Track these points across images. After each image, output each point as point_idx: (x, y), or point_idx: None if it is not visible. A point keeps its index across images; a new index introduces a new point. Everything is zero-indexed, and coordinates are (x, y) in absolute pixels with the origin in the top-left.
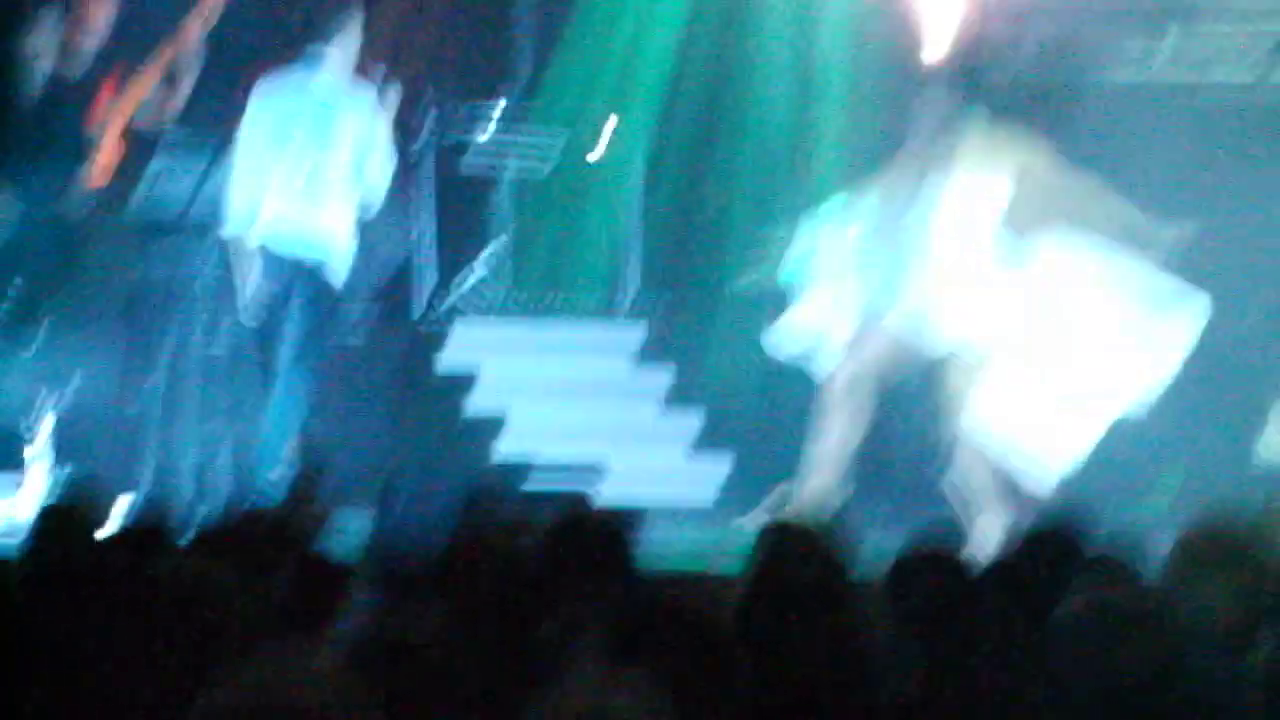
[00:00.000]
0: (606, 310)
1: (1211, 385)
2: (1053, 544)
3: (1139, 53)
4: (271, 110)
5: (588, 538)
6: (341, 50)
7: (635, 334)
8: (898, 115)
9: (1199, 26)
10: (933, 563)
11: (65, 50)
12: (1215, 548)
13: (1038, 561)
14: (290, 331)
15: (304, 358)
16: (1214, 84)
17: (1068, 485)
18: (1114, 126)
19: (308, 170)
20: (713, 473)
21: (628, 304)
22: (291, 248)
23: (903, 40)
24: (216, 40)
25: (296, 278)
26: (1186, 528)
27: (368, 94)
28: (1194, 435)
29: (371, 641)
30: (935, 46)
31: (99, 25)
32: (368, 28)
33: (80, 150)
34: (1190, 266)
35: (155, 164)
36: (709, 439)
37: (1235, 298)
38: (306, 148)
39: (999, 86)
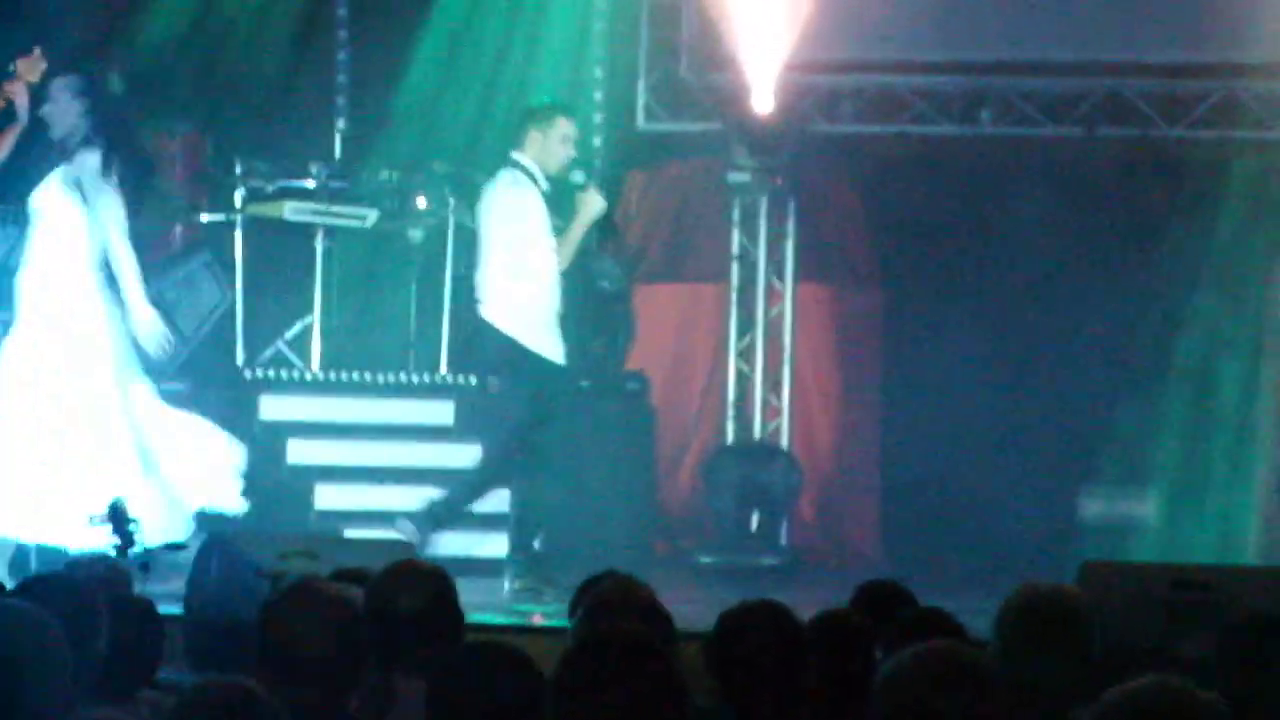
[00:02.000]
0: (412, 389)
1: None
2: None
3: None
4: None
5: (414, 585)
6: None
7: (445, 415)
8: None
9: None
10: (759, 618)
11: None
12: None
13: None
14: None
15: None
16: None
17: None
18: None
19: None
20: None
21: (434, 383)
22: None
23: None
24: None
25: None
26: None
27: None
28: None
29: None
30: None
31: None
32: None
33: None
34: None
35: None
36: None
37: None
38: None
39: None
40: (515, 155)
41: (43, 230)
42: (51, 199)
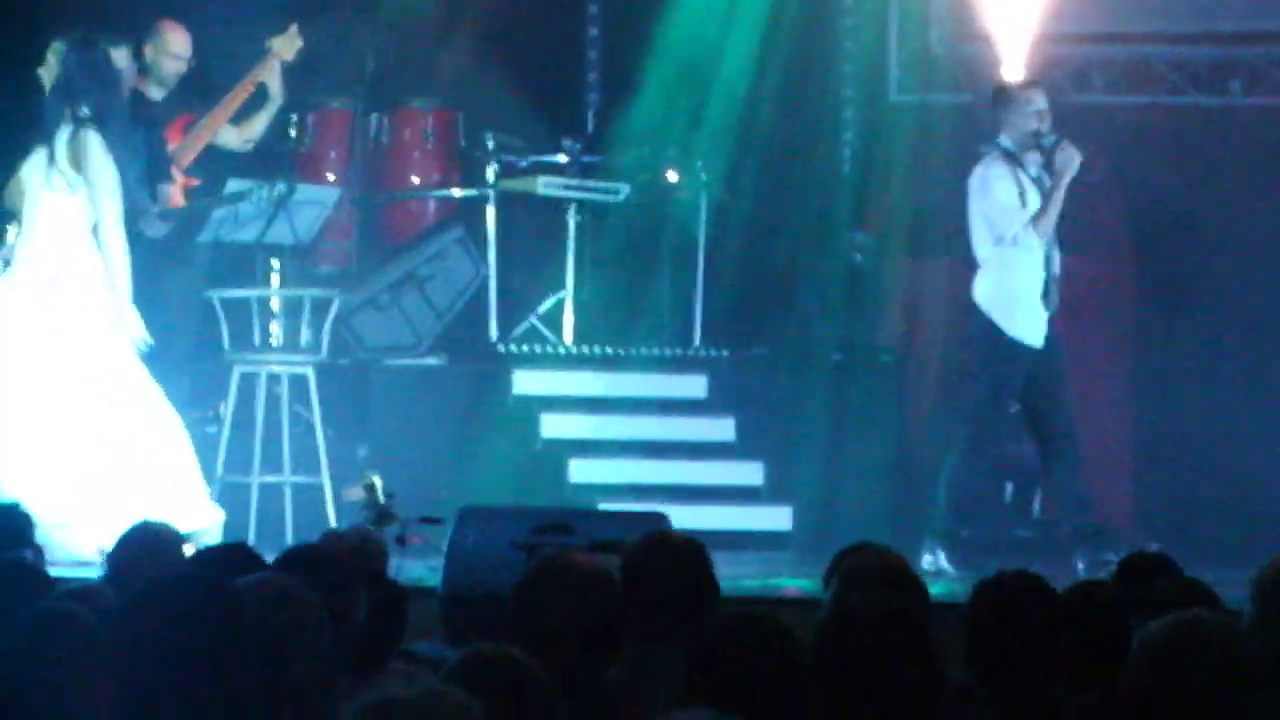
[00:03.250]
0: (666, 362)
1: None
2: None
3: None
4: None
5: (669, 557)
6: None
7: (698, 388)
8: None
9: None
10: (1014, 588)
11: (151, 73)
12: None
13: None
14: None
15: None
16: None
17: None
18: None
19: None
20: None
21: (687, 356)
22: None
23: None
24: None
25: None
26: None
27: None
28: None
29: (465, 665)
30: None
31: (182, 52)
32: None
33: (159, 170)
34: None
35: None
36: (771, 492)
37: None
38: None
39: None
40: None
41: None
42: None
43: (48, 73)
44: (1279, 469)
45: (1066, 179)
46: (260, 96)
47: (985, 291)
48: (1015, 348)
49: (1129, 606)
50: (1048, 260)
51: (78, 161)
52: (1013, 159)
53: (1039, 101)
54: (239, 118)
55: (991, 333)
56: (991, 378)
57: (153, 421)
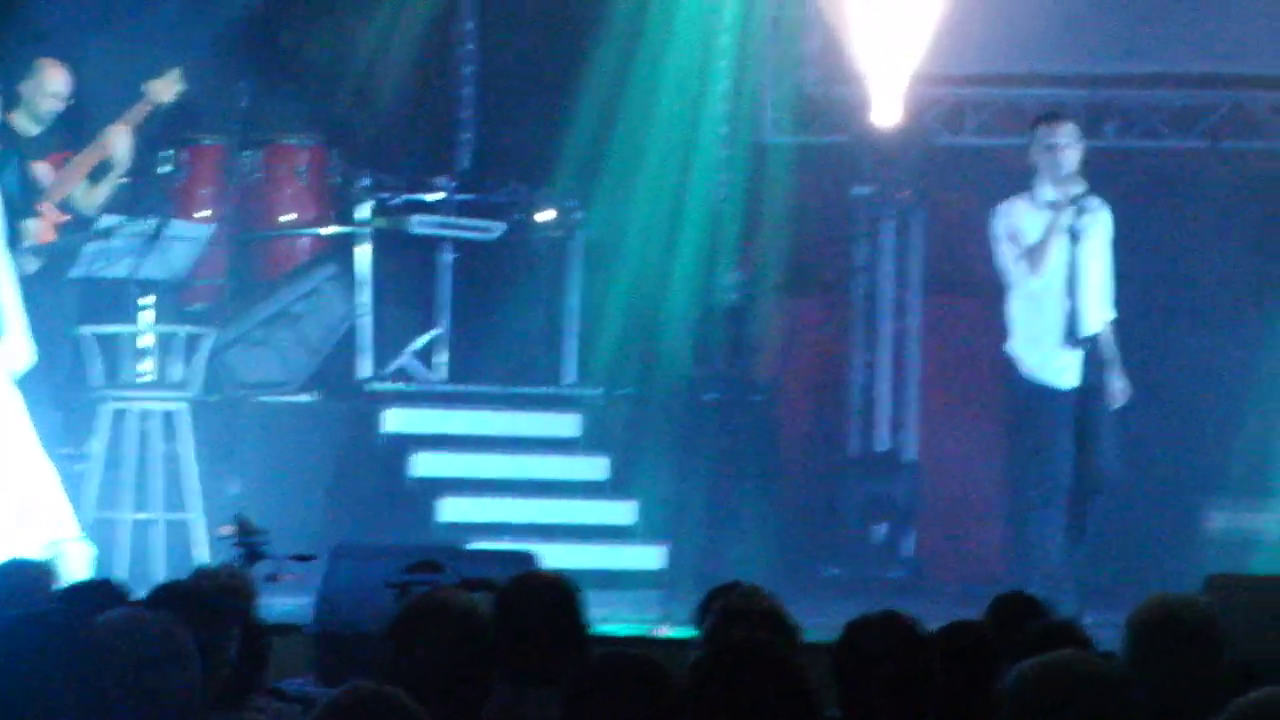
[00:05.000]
0: (538, 401)
1: None
2: None
3: None
4: None
5: (541, 596)
6: None
7: (571, 427)
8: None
9: None
10: (885, 628)
11: (27, 108)
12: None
13: None
14: None
15: None
16: None
17: None
18: None
19: None
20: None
21: (560, 395)
22: None
23: None
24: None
25: None
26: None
27: None
28: None
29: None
30: None
31: (59, 91)
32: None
33: (25, 206)
34: None
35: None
36: (644, 531)
37: None
38: None
39: None
40: None
41: None
42: None
43: None
44: (1150, 512)
45: (1060, 218)
46: (106, 165)
47: (1012, 338)
48: (1038, 390)
49: (999, 648)
50: (1071, 298)
51: None
52: (1031, 195)
53: (1054, 136)
54: (94, 176)
55: (1022, 383)
56: (1024, 424)
57: (21, 450)
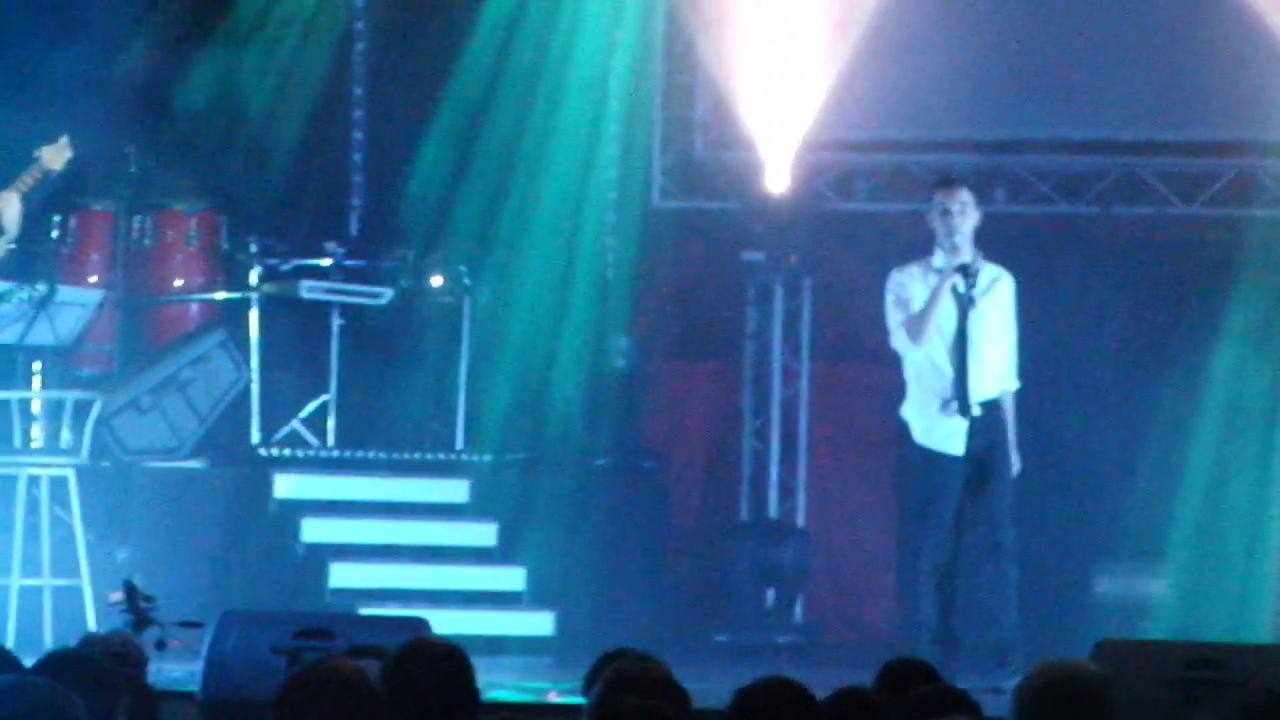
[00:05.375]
0: (427, 467)
1: None
2: None
3: None
4: None
5: (430, 662)
6: None
7: (459, 493)
8: None
9: None
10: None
11: None
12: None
13: None
14: None
15: None
16: None
17: None
18: None
19: None
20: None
21: (449, 461)
22: None
23: None
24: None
25: None
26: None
27: None
28: None
29: None
30: None
31: None
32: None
33: None
34: None
35: None
36: (533, 597)
37: None
38: None
39: None
40: None
41: None
42: None
43: None
44: (1039, 577)
45: (945, 285)
46: None
47: (905, 402)
48: (929, 457)
49: (889, 714)
50: (960, 365)
51: None
52: (926, 261)
53: (948, 201)
54: None
55: (913, 447)
56: (915, 491)
57: None
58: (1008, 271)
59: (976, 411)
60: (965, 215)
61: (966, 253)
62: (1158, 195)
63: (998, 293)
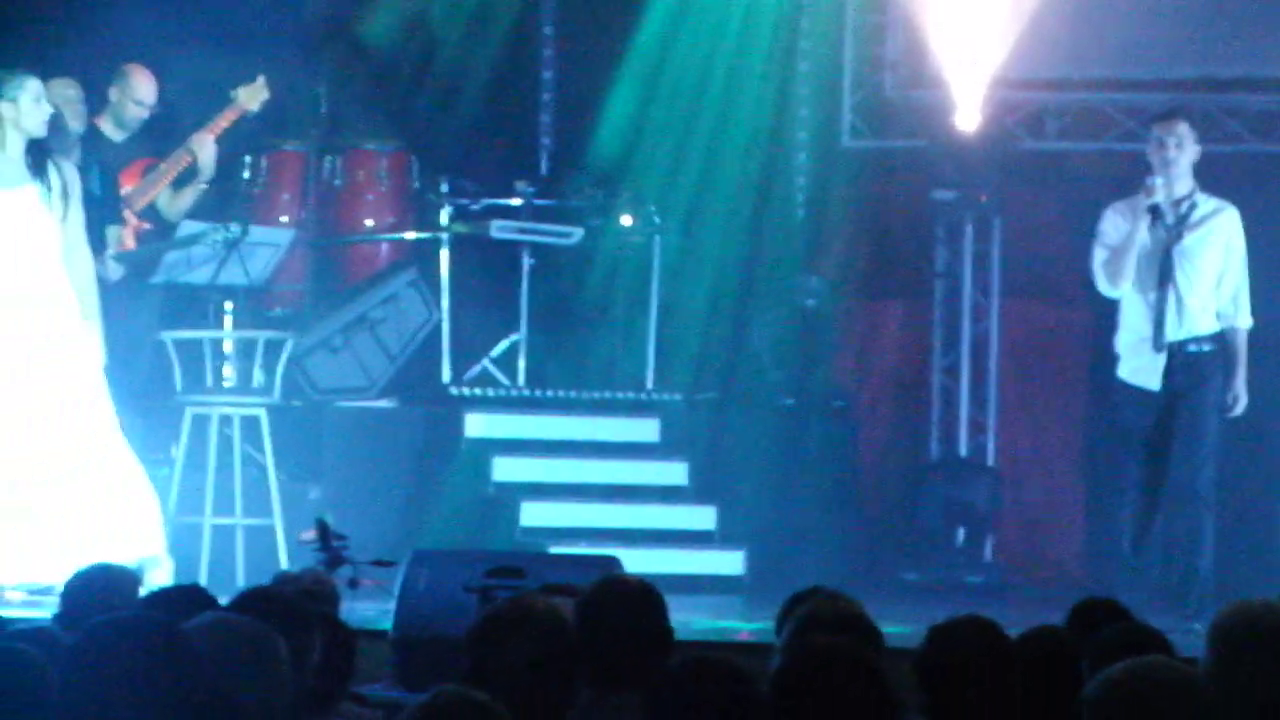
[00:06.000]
0: (618, 406)
1: None
2: None
3: None
4: None
5: (623, 600)
6: None
7: (650, 432)
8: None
9: None
10: (968, 633)
11: (113, 115)
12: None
13: None
14: None
15: None
16: None
17: None
18: None
19: None
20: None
21: (640, 400)
22: None
23: None
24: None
25: None
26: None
27: None
28: None
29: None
30: None
31: (146, 98)
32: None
33: (110, 213)
34: None
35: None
36: (724, 536)
37: None
38: None
39: None
40: None
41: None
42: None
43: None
44: (1227, 516)
45: (1143, 221)
46: (191, 171)
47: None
48: (1126, 391)
49: (1081, 653)
50: (1159, 301)
51: (64, 190)
52: (1134, 198)
53: (1163, 135)
54: (178, 183)
55: (1115, 381)
56: (1110, 423)
57: (114, 450)
58: (1230, 204)
59: (1174, 346)
60: (1182, 149)
61: (1183, 187)
62: None
63: (1214, 226)
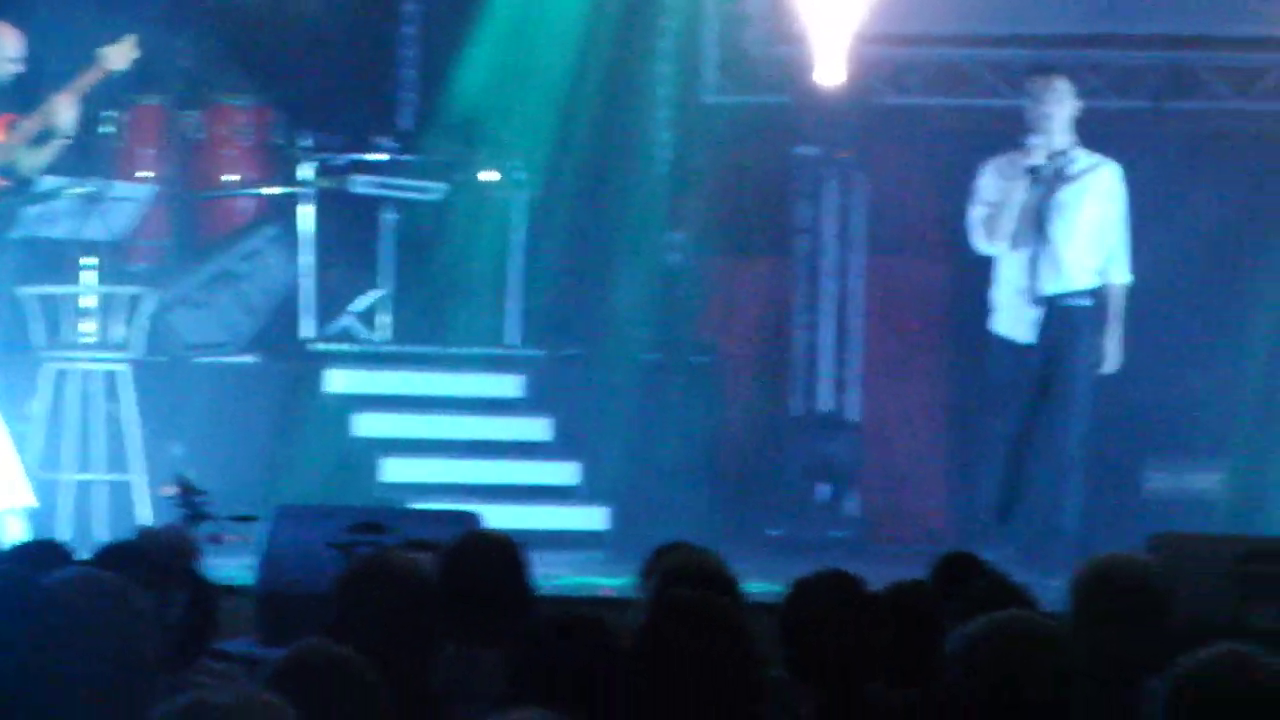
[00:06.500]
0: (481, 361)
1: None
2: None
3: None
4: None
5: (486, 556)
6: None
7: (514, 387)
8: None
9: None
10: (829, 587)
11: None
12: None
13: None
14: None
15: None
16: None
17: None
18: None
19: None
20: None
21: (503, 355)
22: None
23: None
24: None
25: None
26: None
27: None
28: None
29: (293, 662)
30: None
31: (12, 53)
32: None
33: None
34: None
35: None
36: (587, 491)
37: None
38: None
39: None
40: None
41: None
42: None
43: None
44: (1091, 472)
45: (1021, 177)
46: (51, 130)
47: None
48: (999, 344)
49: (944, 607)
50: (1035, 254)
51: None
52: (1011, 154)
53: (1038, 91)
54: (38, 140)
55: (986, 335)
56: (980, 377)
57: None
58: (1111, 161)
59: (1050, 300)
60: (1061, 104)
61: (1060, 140)
62: (1210, 90)
63: (1091, 182)
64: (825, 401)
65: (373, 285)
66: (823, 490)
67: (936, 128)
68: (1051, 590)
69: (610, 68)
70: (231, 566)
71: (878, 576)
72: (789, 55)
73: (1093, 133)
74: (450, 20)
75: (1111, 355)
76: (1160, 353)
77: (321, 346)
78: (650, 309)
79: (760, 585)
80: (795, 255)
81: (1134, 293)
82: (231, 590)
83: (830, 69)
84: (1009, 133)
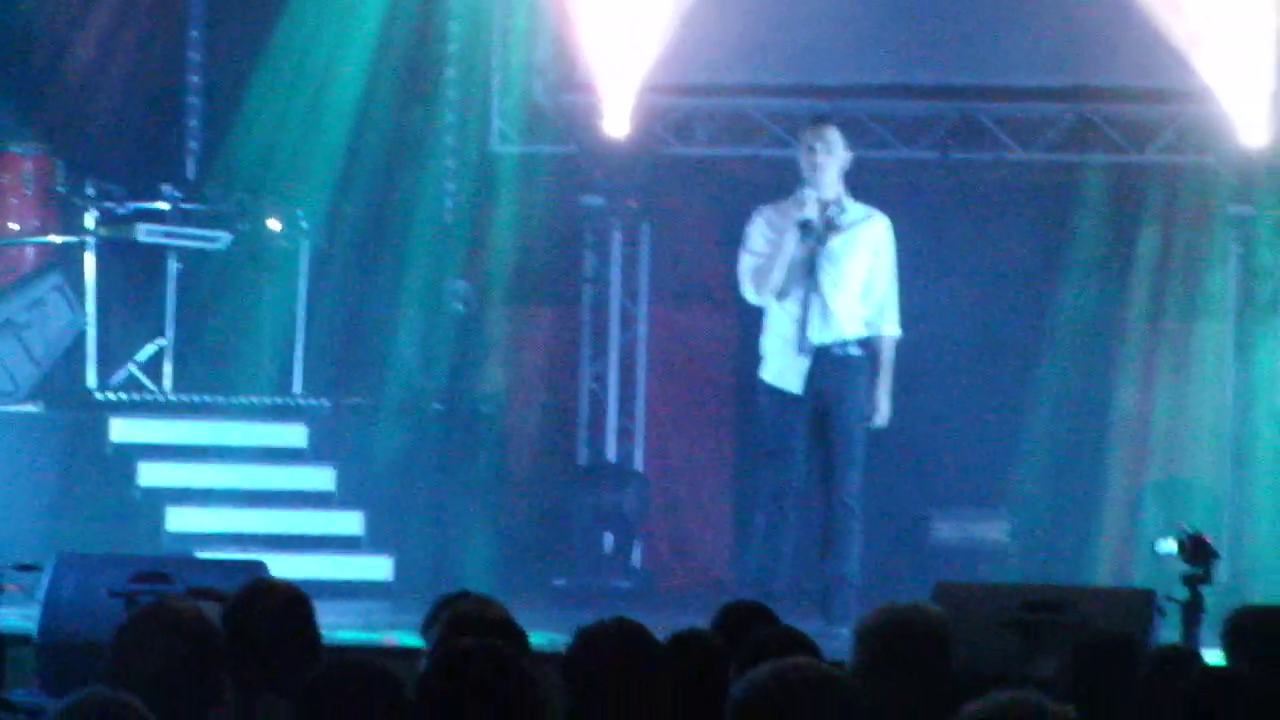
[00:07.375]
0: (265, 411)
1: None
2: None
3: None
4: None
5: (271, 605)
6: None
7: (298, 437)
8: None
9: None
10: (614, 636)
11: None
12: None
13: None
14: None
15: None
16: None
17: None
18: None
19: None
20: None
21: (287, 405)
22: None
23: None
24: None
25: None
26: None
27: None
28: None
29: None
30: None
31: None
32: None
33: None
34: None
35: None
36: (371, 541)
37: None
38: None
39: None
40: None
41: None
42: None
43: None
44: (877, 522)
45: (792, 228)
46: None
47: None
48: (769, 393)
49: (728, 655)
50: (804, 303)
51: None
52: (783, 203)
53: (811, 139)
54: None
55: (759, 384)
56: (756, 427)
57: None
58: (881, 213)
59: (819, 350)
60: (831, 154)
61: (830, 191)
62: (996, 141)
63: (862, 233)
64: (611, 451)
65: (158, 334)
66: (609, 540)
67: (722, 178)
68: (839, 639)
69: (395, 116)
70: (14, 616)
71: (663, 626)
72: (576, 104)
73: (879, 182)
74: (234, 69)
75: (883, 407)
76: (945, 404)
77: (106, 396)
78: (436, 358)
79: (545, 636)
80: (582, 305)
81: (918, 343)
82: (13, 639)
83: (617, 119)
84: (791, 183)
